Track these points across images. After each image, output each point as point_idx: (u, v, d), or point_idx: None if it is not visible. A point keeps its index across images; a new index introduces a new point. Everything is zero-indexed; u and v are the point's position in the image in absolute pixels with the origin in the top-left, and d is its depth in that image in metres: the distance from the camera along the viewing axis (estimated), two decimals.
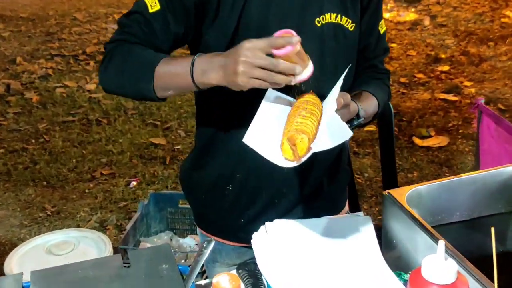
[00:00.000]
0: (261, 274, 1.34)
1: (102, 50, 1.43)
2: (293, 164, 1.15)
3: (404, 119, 4.21)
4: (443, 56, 5.25)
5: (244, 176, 1.48)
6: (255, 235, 1.38)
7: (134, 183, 3.58)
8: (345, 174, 1.66)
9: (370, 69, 1.56)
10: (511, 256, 1.47)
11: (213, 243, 1.32)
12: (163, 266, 1.28)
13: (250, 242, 1.38)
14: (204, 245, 1.32)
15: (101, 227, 3.17)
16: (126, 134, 4.17)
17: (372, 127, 4.00)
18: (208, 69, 1.22)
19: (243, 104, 1.34)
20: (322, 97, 1.32)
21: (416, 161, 3.69)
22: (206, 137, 1.52)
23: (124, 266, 1.29)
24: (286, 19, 1.34)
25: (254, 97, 1.27)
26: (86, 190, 3.56)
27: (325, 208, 1.55)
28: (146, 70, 1.29)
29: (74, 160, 3.88)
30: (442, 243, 0.98)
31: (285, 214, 1.49)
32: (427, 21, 6.10)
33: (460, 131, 4.01)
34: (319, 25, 1.38)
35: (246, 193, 1.50)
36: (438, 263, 0.99)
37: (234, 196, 1.50)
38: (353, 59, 1.48)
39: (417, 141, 3.90)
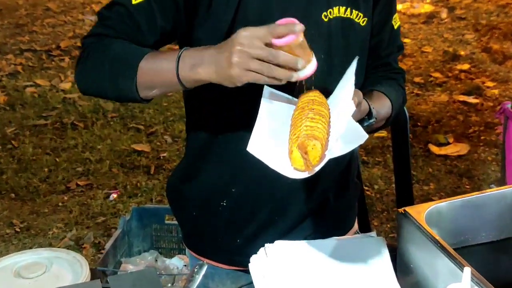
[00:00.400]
0: None
1: (79, 44, 1.45)
2: (305, 174, 1.13)
3: (419, 124, 4.22)
4: (462, 53, 5.27)
5: (241, 191, 1.47)
6: (253, 259, 1.37)
7: (114, 195, 3.56)
8: (355, 188, 1.66)
9: (383, 68, 1.58)
10: None
11: (205, 267, 1.32)
12: None
13: (246, 266, 1.38)
14: (196, 270, 1.31)
15: (77, 245, 3.15)
16: (105, 139, 4.16)
17: (383, 133, 4.00)
18: (198, 63, 1.21)
19: (239, 106, 1.35)
20: (328, 88, 1.33)
21: (433, 171, 3.68)
22: (197, 144, 1.51)
23: None
24: (289, 13, 1.33)
25: (252, 97, 1.26)
26: (60, 204, 3.53)
27: (332, 227, 1.55)
28: (127, 66, 1.28)
29: (46, 169, 3.86)
30: (468, 270, 0.97)
31: (287, 233, 1.48)
32: (444, 14, 6.12)
33: (482, 137, 4.01)
34: (326, 20, 1.40)
35: (243, 209, 1.49)
36: None
37: (229, 213, 1.50)
38: (365, 57, 1.50)
39: (434, 148, 3.90)
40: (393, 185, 3.45)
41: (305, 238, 1.48)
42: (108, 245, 2.62)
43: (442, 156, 3.84)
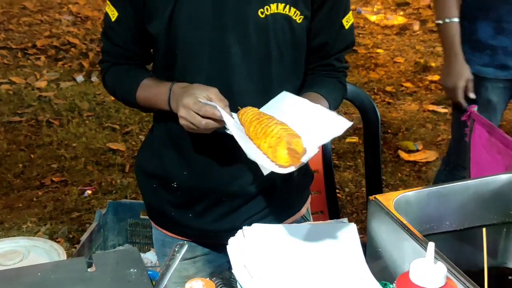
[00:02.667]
0: (236, 282, 1.40)
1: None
2: (292, 169, 1.25)
3: (389, 131, 4.33)
4: (433, 64, 5.41)
5: (191, 174, 1.60)
6: (231, 241, 1.44)
7: (89, 192, 3.60)
8: (305, 175, 1.74)
9: (326, 68, 1.63)
10: (503, 270, 1.55)
11: (185, 247, 1.38)
12: (131, 270, 1.33)
13: (198, 238, 1.67)
14: (176, 249, 1.37)
15: (51, 239, 3.16)
16: (80, 137, 4.19)
17: (354, 139, 4.11)
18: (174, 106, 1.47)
19: None
20: (269, 87, 1.50)
21: (402, 176, 3.80)
22: (159, 132, 1.66)
23: (88, 269, 1.33)
24: (223, 10, 1.46)
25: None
26: (34, 199, 3.56)
27: (277, 210, 1.66)
28: (130, 97, 1.58)
29: (20, 165, 3.87)
30: (432, 244, 1.05)
31: (233, 212, 1.63)
32: (416, 26, 6.28)
33: None
34: (262, 16, 1.47)
35: (193, 190, 1.62)
36: (427, 266, 1.07)
37: (180, 192, 1.64)
38: (302, 53, 1.57)
39: (403, 155, 4.02)
40: (363, 189, 3.55)
41: (250, 218, 1.61)
42: (83, 237, 2.66)
43: (411, 162, 3.96)
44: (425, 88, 5.00)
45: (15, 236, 3.18)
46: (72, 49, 5.64)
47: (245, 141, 1.33)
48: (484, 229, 0.99)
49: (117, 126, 4.34)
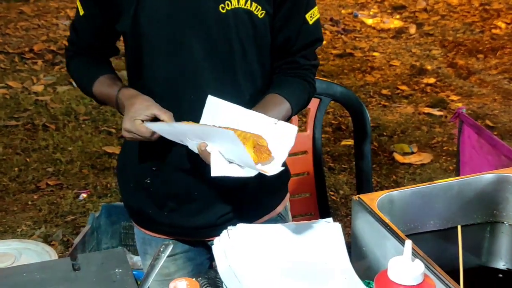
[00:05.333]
0: (221, 282, 1.41)
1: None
2: (275, 164, 1.34)
3: (384, 133, 4.35)
4: (429, 67, 5.43)
5: (162, 171, 1.64)
6: (216, 240, 1.45)
7: (84, 195, 3.61)
8: (279, 175, 1.75)
9: (291, 65, 1.63)
10: (486, 270, 1.57)
11: (171, 247, 1.39)
12: (116, 270, 1.34)
13: (174, 236, 1.70)
14: (162, 249, 1.39)
15: (46, 242, 3.18)
16: (76, 141, 4.20)
17: (350, 142, 4.12)
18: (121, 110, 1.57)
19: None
20: (235, 82, 1.54)
21: (397, 178, 3.81)
22: None
23: (74, 270, 1.35)
24: (182, 6, 1.49)
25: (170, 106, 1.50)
26: (29, 202, 3.57)
27: (250, 207, 1.68)
28: (88, 90, 1.66)
29: (16, 169, 3.89)
30: (409, 242, 1.07)
31: (206, 209, 1.65)
32: (412, 29, 6.29)
33: (445, 148, 4.15)
34: (223, 11, 1.49)
35: (164, 186, 1.65)
36: (405, 263, 1.08)
37: (153, 188, 1.67)
38: (265, 50, 1.59)
39: (398, 157, 4.03)
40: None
41: (225, 214, 1.64)
42: (77, 240, 2.68)
43: (406, 164, 3.97)
44: (421, 91, 5.01)
45: (9, 239, 3.20)
46: None
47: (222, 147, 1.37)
48: (459, 227, 1.00)
49: (113, 130, 4.36)
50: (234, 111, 1.43)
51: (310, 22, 1.58)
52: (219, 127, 1.38)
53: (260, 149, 1.34)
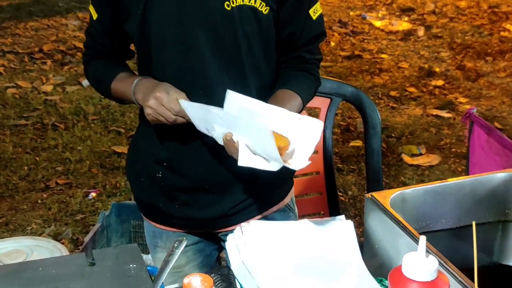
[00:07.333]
0: (234, 279, 1.42)
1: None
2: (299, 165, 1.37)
3: (393, 135, 4.35)
4: (437, 69, 5.43)
5: (172, 165, 1.65)
6: (229, 237, 1.46)
7: (94, 194, 3.62)
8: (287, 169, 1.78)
9: (296, 60, 1.66)
10: (498, 268, 1.57)
11: (185, 242, 1.40)
12: (130, 265, 1.35)
13: (185, 228, 1.73)
14: (176, 245, 1.40)
15: (55, 240, 3.20)
16: (85, 141, 4.23)
17: (358, 143, 4.13)
18: (139, 98, 1.56)
19: None
20: (242, 78, 1.56)
21: (405, 179, 3.81)
22: (140, 132, 1.75)
23: (89, 265, 1.36)
24: (189, 5, 1.52)
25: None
26: (39, 201, 3.59)
27: (261, 197, 1.70)
28: (106, 90, 1.67)
29: (26, 168, 3.91)
30: (423, 238, 1.08)
31: (217, 201, 1.67)
32: (421, 32, 6.30)
33: (453, 149, 4.16)
34: (229, 8, 1.52)
35: (175, 180, 1.67)
36: (419, 259, 1.09)
37: (164, 182, 1.68)
38: (271, 45, 1.62)
39: (407, 158, 4.03)
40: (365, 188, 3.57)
41: (235, 206, 1.67)
42: (87, 238, 2.68)
43: (414, 165, 3.97)
44: (429, 93, 5.01)
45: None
46: (78, 53, 5.68)
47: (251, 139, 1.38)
48: (474, 223, 1.01)
49: (122, 130, 4.38)
50: (257, 105, 1.44)
51: (314, 17, 1.61)
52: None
53: (284, 153, 1.37)
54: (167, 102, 1.47)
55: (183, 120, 1.49)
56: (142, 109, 1.65)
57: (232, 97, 1.45)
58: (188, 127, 1.51)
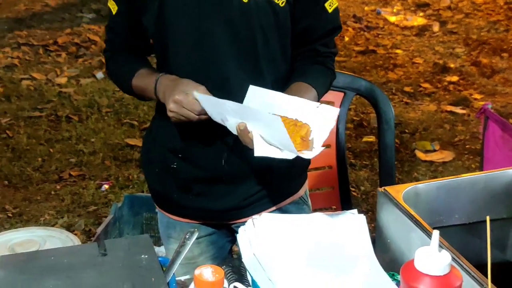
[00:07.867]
0: (245, 271, 1.42)
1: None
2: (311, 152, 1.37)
3: (406, 130, 4.33)
4: (452, 65, 5.39)
5: (187, 156, 1.66)
6: (241, 229, 1.46)
7: (106, 186, 3.64)
8: (301, 160, 1.77)
9: (311, 53, 1.67)
10: (511, 265, 1.56)
11: (196, 233, 1.40)
12: (142, 256, 1.35)
13: (199, 220, 1.73)
14: (187, 236, 1.40)
15: (68, 232, 3.22)
16: (99, 133, 4.24)
17: (371, 138, 4.11)
18: (161, 96, 1.57)
19: None
20: (258, 70, 1.57)
21: (418, 175, 3.79)
22: (156, 124, 1.75)
23: (100, 255, 1.36)
24: None
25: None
26: (52, 192, 3.61)
27: (276, 188, 1.71)
28: (127, 85, 1.67)
29: (39, 159, 3.93)
30: (436, 232, 1.07)
31: (231, 192, 1.67)
32: (436, 27, 6.25)
33: (467, 146, 4.13)
34: (246, 1, 1.52)
35: (189, 171, 1.68)
36: (432, 253, 1.08)
37: (179, 173, 1.69)
38: (286, 38, 1.62)
39: (420, 154, 4.01)
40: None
41: (249, 197, 1.67)
42: (99, 230, 2.70)
43: (427, 162, 3.95)
44: (444, 89, 4.98)
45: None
46: (93, 46, 5.70)
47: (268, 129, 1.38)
48: (488, 217, 1.00)
49: (135, 122, 4.39)
50: (276, 97, 1.45)
51: (330, 11, 1.61)
52: (269, 113, 1.39)
53: (307, 140, 1.37)
54: (187, 104, 1.48)
55: (206, 117, 1.49)
56: (158, 101, 1.66)
57: (254, 91, 1.45)
58: (203, 123, 1.52)
